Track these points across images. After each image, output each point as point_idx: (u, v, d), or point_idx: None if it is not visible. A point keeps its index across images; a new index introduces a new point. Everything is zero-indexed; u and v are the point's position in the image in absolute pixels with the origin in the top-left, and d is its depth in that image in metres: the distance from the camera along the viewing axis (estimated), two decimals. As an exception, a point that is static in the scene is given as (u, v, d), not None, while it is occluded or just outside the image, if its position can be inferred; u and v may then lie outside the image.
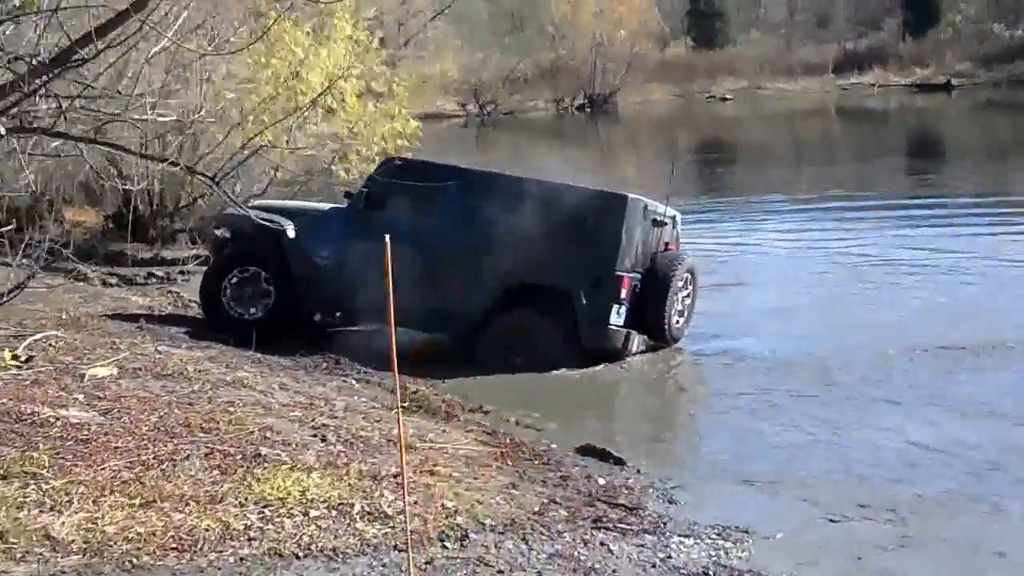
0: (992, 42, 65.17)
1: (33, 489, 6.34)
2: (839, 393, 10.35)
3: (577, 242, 11.60)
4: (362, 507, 6.50)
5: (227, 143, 16.92)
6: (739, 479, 8.19)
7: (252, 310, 12.55)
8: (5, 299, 10.73)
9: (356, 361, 11.37)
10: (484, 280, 11.81)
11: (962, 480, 8.05)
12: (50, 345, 10.26)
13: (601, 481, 7.89)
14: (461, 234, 12.02)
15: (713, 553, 6.66)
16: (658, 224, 12.06)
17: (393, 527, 6.32)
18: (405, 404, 9.83)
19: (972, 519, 7.38)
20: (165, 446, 7.31)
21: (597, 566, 6.23)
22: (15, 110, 7.68)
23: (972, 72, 62.97)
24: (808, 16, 78.15)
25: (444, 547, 6.19)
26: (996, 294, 14.47)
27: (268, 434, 7.83)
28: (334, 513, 6.38)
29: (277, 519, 6.23)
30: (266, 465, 7.08)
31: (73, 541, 5.75)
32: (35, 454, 6.84)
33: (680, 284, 11.94)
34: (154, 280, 16.46)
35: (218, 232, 13.40)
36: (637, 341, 11.76)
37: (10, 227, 11.15)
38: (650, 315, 11.78)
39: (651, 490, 7.82)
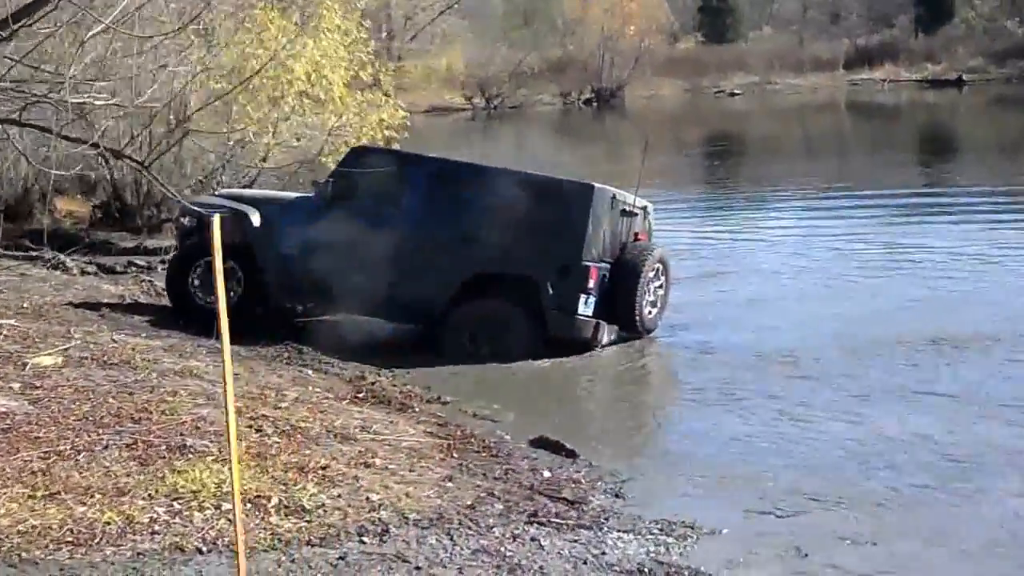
0: (1005, 38, 64.69)
1: (-64, 480, 6.08)
2: (806, 386, 10.00)
3: (544, 232, 11.34)
4: (280, 500, 6.21)
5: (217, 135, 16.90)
6: (693, 473, 7.87)
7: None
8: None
9: (320, 351, 11.12)
10: (447, 270, 11.56)
11: (921, 475, 7.72)
12: (2, 334, 10.02)
13: (547, 474, 7.60)
14: (427, 223, 11.77)
15: (652, 549, 6.35)
16: (628, 214, 11.78)
17: (310, 521, 6.03)
18: (361, 395, 9.60)
19: (927, 514, 7.07)
20: (88, 436, 7.04)
21: (523, 562, 5.92)
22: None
23: (984, 68, 62.57)
24: (821, 12, 77.70)
25: (361, 542, 5.90)
26: (984, 287, 14.15)
27: (201, 424, 7.53)
28: (248, 506, 6.08)
29: (186, 512, 5.94)
30: (190, 456, 6.80)
31: (-40, 533, 5.48)
32: (-51, 444, 6.59)
33: (651, 274, 11.64)
34: (134, 269, 16.22)
35: (184, 220, 13.16)
36: (607, 332, 11.47)
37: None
38: (620, 305, 11.49)
39: (599, 483, 7.52)
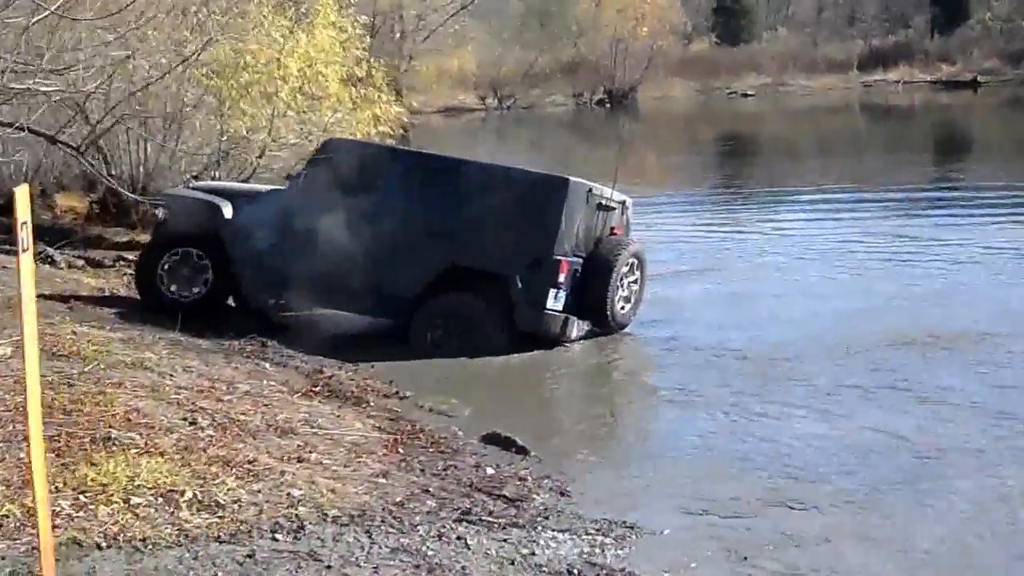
0: (1021, 39, 64.01)
1: None
2: (777, 384, 9.64)
3: (516, 225, 11.09)
4: (194, 495, 5.93)
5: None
6: (644, 472, 7.58)
7: (194, 290, 12.16)
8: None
9: (284, 345, 10.88)
10: (420, 263, 11.31)
11: (882, 475, 7.39)
12: (-43, 326, 9.80)
13: (490, 471, 7.33)
14: (399, 216, 11.54)
15: (587, 550, 6.06)
16: (604, 209, 11.49)
17: (222, 517, 5.75)
18: (316, 388, 9.34)
19: (884, 515, 6.74)
20: (13, 427, 6.78)
21: (445, 562, 5.63)
22: None
23: (999, 69, 61.97)
24: (837, 13, 77.21)
25: (274, 539, 5.61)
26: (978, 285, 13.80)
27: (132, 416, 7.26)
28: (159, 500, 5.81)
29: (91, 506, 5.66)
30: (112, 449, 6.52)
31: None
32: None
33: (625, 269, 11.35)
34: (122, 263, 16.07)
35: (158, 212, 12.96)
36: (577, 327, 11.19)
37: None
38: (592, 300, 11.21)
39: (545, 481, 7.24)
